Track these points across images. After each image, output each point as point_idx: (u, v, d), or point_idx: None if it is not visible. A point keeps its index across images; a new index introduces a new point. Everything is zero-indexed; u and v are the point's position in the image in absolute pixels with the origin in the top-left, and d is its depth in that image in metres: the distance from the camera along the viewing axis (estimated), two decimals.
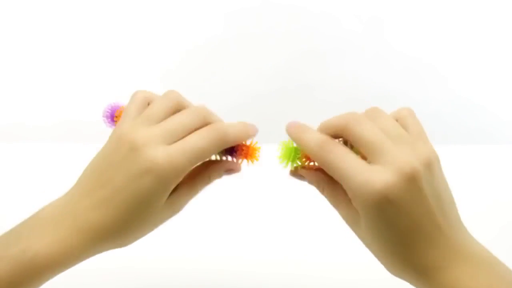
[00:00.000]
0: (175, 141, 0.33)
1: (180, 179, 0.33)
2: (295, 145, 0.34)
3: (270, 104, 1.25)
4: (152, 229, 0.34)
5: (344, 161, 0.30)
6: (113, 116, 0.38)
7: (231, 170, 0.38)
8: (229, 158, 0.36)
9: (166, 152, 0.32)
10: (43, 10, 1.16)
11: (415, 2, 1.17)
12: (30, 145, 0.80)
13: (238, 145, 0.36)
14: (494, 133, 1.25)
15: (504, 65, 1.22)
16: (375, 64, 1.22)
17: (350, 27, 1.19)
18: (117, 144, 0.33)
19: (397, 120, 0.34)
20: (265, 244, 0.53)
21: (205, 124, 0.35)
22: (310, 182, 0.35)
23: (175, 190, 0.34)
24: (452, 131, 1.25)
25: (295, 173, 0.36)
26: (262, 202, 0.61)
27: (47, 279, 0.31)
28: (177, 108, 0.36)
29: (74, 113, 1.23)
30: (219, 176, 0.37)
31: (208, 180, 0.37)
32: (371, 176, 0.29)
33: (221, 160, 0.37)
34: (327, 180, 0.34)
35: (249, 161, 0.36)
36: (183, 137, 0.33)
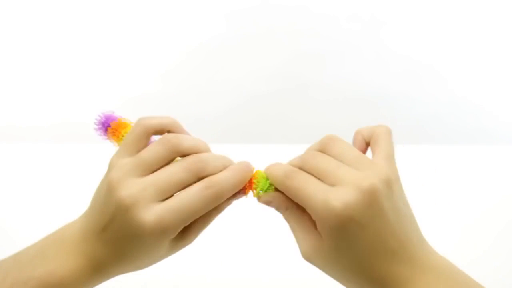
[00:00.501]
0: (166, 197, 0.32)
1: (174, 235, 0.32)
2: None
3: (269, 104, 1.26)
4: (165, 258, 0.34)
5: (307, 185, 0.31)
6: (107, 127, 0.36)
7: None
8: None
9: (155, 214, 0.31)
10: (42, 11, 1.16)
11: (415, 3, 1.17)
12: (28, 145, 0.80)
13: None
14: (493, 134, 1.25)
15: (503, 66, 1.23)
16: (374, 65, 1.23)
17: (349, 28, 1.19)
18: (107, 194, 0.32)
19: (370, 137, 0.36)
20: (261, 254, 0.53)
21: (198, 178, 0.33)
22: (277, 208, 0.35)
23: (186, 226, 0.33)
24: (451, 131, 1.26)
25: (263, 197, 0.35)
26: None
27: None
28: (173, 156, 0.34)
29: (75, 114, 1.23)
30: (230, 204, 0.36)
31: (220, 210, 0.35)
32: (331, 196, 0.29)
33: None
34: (294, 206, 0.34)
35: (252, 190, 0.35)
36: (175, 192, 0.32)
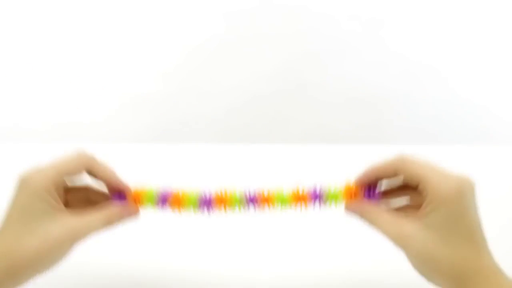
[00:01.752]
0: None
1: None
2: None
3: (269, 105, 1.26)
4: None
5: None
6: (165, 201, 0.38)
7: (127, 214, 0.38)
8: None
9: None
10: (39, 11, 1.15)
11: (415, 3, 1.17)
12: (26, 146, 0.80)
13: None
14: (493, 134, 1.25)
15: (503, 65, 1.22)
16: (374, 65, 1.22)
17: (349, 28, 1.19)
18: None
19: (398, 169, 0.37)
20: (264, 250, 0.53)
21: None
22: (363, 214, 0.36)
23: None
24: (451, 131, 1.26)
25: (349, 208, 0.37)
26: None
27: None
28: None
29: (75, 113, 1.23)
30: (119, 219, 0.37)
31: (107, 220, 0.36)
32: (448, 176, 0.33)
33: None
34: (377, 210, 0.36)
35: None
36: None
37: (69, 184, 0.37)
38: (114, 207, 0.37)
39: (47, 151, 0.78)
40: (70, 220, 0.34)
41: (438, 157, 0.77)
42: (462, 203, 0.32)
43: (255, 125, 1.26)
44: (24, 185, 0.34)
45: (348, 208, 0.37)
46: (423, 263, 0.32)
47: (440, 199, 0.32)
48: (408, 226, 0.33)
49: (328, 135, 1.25)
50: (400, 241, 0.33)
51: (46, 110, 1.23)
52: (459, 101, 1.25)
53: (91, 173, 0.37)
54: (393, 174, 0.36)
